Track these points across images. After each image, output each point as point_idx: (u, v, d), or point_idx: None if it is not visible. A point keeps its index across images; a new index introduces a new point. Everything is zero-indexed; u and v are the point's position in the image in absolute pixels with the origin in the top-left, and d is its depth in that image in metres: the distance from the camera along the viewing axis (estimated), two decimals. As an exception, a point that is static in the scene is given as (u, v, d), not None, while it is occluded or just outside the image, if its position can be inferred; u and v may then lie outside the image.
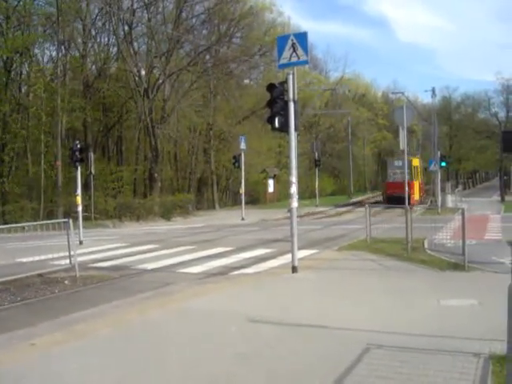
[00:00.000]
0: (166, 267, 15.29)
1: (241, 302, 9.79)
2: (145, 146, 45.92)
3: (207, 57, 44.51)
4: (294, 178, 13.03)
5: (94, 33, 43.63)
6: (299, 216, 37.30)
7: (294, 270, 12.81)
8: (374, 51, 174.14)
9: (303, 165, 63.54)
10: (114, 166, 45.01)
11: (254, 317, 8.32)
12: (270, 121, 13.10)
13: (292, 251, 12.91)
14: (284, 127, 12.96)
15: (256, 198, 53.26)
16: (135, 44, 44.02)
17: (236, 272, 13.99)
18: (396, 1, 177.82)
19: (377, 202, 50.70)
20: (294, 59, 12.94)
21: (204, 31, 46.01)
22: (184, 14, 42.39)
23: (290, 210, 13.13)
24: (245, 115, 49.48)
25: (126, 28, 39.98)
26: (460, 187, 66.44)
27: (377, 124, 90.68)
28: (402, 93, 59.04)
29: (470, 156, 75.55)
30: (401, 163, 35.58)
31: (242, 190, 35.71)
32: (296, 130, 13.04)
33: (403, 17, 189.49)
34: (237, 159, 35.31)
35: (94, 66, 44.64)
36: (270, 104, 13.11)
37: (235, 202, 48.93)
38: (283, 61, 13.10)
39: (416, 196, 42.76)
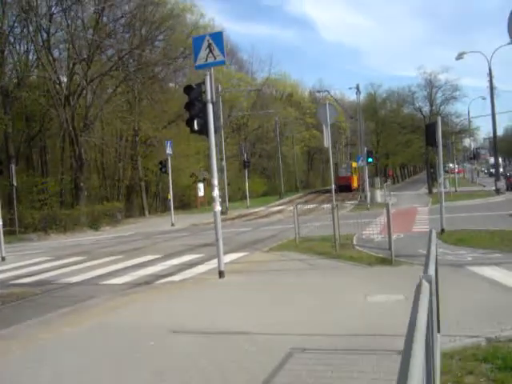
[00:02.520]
0: (91, 279, 14.76)
1: (163, 312, 9.41)
2: (70, 155, 44.66)
3: (130, 61, 43.65)
4: (215, 181, 12.76)
5: (12, 40, 42.14)
6: (230, 218, 37.35)
7: (221, 274, 12.54)
8: (299, 51, 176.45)
9: (233, 167, 63.42)
10: (38, 177, 43.67)
11: (176, 328, 8.00)
12: (189, 123, 12.81)
13: (218, 256, 12.65)
14: (203, 130, 12.68)
15: (186, 203, 52.69)
16: (56, 50, 43.00)
17: (162, 280, 13.60)
18: (319, 1, 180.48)
19: (308, 201, 51.15)
20: (211, 60, 12.66)
21: (126, 35, 45.11)
22: (104, 19, 41.53)
23: (214, 214, 12.82)
24: (171, 119, 48.68)
25: (45, 35, 38.72)
26: (389, 182, 67.62)
27: (305, 123, 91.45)
28: (327, 91, 59.63)
29: (397, 151, 76.90)
30: (344, 166, 49.98)
31: (171, 196, 35.16)
32: (216, 132, 12.80)
33: (327, 16, 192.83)
34: (163, 164, 34.70)
35: (12, 75, 43.06)
36: (188, 106, 12.82)
37: (166, 207, 48.22)
38: (200, 61, 12.81)
39: (355, 184, 51.30)
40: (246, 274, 13.25)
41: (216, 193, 12.71)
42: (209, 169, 52.19)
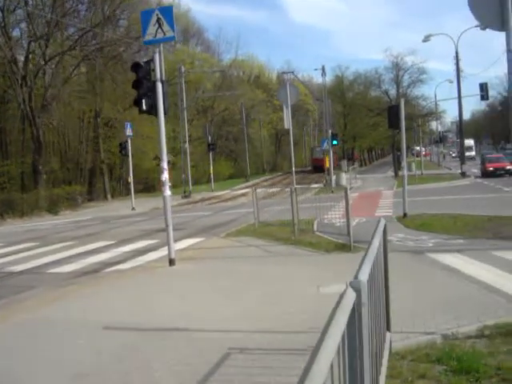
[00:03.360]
0: (37, 268, 14.01)
1: (101, 305, 8.74)
2: (30, 137, 43.37)
3: (91, 40, 42.33)
4: (165, 164, 12.09)
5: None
6: (193, 202, 36.72)
7: (172, 262, 11.93)
8: (268, 33, 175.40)
9: (199, 150, 62.62)
10: (-4, 160, 42.42)
11: (110, 324, 7.36)
12: (137, 103, 12.09)
13: (168, 243, 12.02)
14: (152, 110, 11.99)
15: (150, 186, 51.79)
16: (17, 30, 41.58)
17: (110, 269, 12.93)
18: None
19: (273, 184, 50.78)
20: (160, 35, 11.92)
21: (86, 13, 43.77)
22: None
23: (163, 199, 12.15)
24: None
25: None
26: (356, 164, 67.42)
27: (273, 105, 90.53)
28: (292, 72, 58.85)
29: (365, 133, 76.69)
30: (319, 148, 50.36)
31: (131, 179, 34.34)
32: (166, 112, 12.10)
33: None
34: (123, 146, 33.72)
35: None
36: (136, 85, 12.08)
37: (129, 191, 47.35)
38: (148, 37, 12.05)
39: (327, 165, 49.19)
40: (198, 261, 12.64)
41: (165, 176, 12.04)
42: (173, 151, 51.27)
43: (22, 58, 39.34)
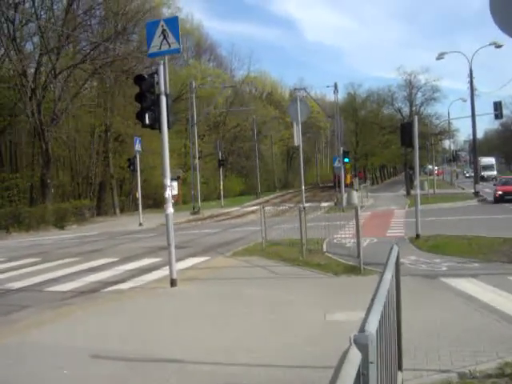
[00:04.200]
0: (35, 285, 13.55)
1: (93, 330, 8.18)
2: (39, 150, 43.12)
3: (102, 54, 42.16)
4: (168, 181, 11.59)
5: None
6: (202, 218, 36.22)
7: (173, 283, 11.41)
8: (281, 51, 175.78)
9: (210, 165, 62.31)
10: (6, 174, 42.15)
11: (100, 352, 6.84)
12: (140, 117, 11.65)
13: (170, 262, 11.50)
14: (155, 124, 11.56)
15: (159, 202, 51.29)
16: (26, 43, 41.58)
17: (110, 288, 12.42)
18: (301, 1, 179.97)
19: (284, 202, 50.31)
20: (165, 47, 11.53)
21: (98, 27, 43.64)
22: (74, 8, 40.03)
23: (166, 217, 11.64)
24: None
25: (11, 25, 37.14)
26: (368, 182, 66.78)
27: (285, 122, 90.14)
28: (304, 89, 58.50)
29: (377, 151, 76.20)
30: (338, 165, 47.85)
31: (139, 194, 33.85)
32: (169, 127, 11.65)
33: (309, 17, 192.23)
34: (132, 162, 33.31)
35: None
36: (139, 98, 11.64)
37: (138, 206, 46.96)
38: (153, 49, 11.66)
39: (347, 181, 54.63)
40: (200, 282, 12.11)
41: (168, 193, 11.54)
42: (184, 167, 50.93)
43: (32, 71, 39.13)
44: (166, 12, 46.84)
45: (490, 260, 13.21)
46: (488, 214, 27.53)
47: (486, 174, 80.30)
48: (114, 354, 6.75)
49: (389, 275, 3.52)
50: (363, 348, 2.07)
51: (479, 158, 61.51)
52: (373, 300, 2.83)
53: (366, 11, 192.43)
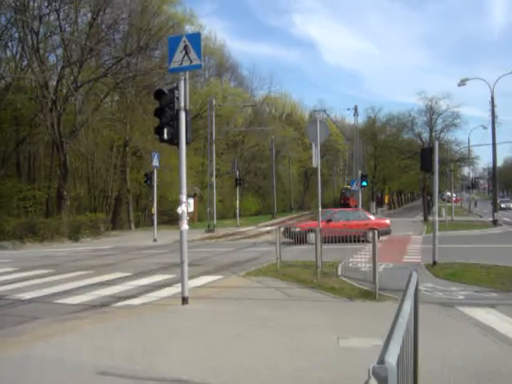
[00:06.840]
0: (46, 297, 13.45)
1: (100, 346, 7.98)
2: (56, 162, 43.28)
3: (124, 69, 42.40)
4: (184, 197, 11.45)
5: (5, 42, 40.95)
6: (216, 237, 36.04)
7: (184, 301, 11.25)
8: (301, 72, 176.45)
9: (227, 184, 62.22)
10: (23, 184, 42.35)
11: (106, 369, 6.67)
12: (158, 132, 11.55)
13: (182, 280, 11.33)
14: (174, 139, 11.46)
15: (175, 218, 51.26)
16: (50, 55, 41.97)
17: (120, 303, 12.29)
18: (322, 24, 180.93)
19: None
20: (186, 63, 11.43)
21: (120, 42, 43.98)
22: (98, 22, 40.36)
23: (180, 233, 11.48)
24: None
25: (34, 36, 37.47)
26: (385, 207, 66.32)
27: (303, 143, 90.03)
28: (324, 110, 58.44)
29: (395, 176, 75.62)
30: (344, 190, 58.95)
31: (154, 210, 33.79)
32: (188, 142, 11.54)
33: (330, 40, 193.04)
34: (149, 177, 33.33)
35: (1, 77, 41.83)
36: (158, 113, 11.57)
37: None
38: (174, 64, 11.57)
39: (352, 204, 62.90)
40: (212, 301, 11.92)
41: (182, 209, 11.40)
42: (201, 185, 50.86)
43: (53, 83, 39.39)
44: (189, 29, 46.96)
45: (509, 290, 12.94)
46: (507, 243, 27.19)
47: (504, 204, 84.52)
48: (121, 372, 6.57)
49: (408, 304, 3.35)
50: (383, 381, 1.90)
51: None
52: (392, 329, 2.65)
53: (386, 36, 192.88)
